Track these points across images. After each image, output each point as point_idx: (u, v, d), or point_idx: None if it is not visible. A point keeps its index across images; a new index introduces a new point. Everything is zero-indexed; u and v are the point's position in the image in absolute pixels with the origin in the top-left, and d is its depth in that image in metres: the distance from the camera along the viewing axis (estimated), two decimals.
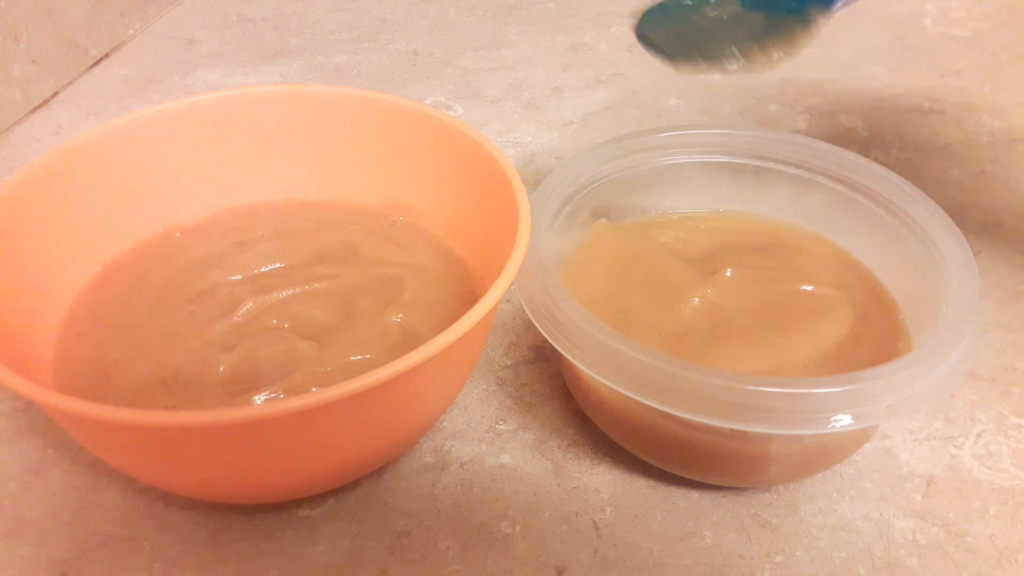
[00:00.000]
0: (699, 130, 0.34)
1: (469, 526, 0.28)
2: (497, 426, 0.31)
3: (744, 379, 0.24)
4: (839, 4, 0.28)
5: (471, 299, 0.31)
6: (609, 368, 0.25)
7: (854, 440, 0.29)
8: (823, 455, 0.28)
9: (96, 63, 0.55)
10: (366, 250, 0.33)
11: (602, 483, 0.29)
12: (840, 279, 0.32)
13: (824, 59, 0.56)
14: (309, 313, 0.30)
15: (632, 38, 0.31)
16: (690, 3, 0.30)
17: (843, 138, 0.48)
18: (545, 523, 0.28)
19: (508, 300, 0.37)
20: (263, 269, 0.32)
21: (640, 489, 0.29)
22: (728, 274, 0.31)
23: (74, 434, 0.26)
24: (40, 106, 0.50)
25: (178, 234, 0.34)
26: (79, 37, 0.53)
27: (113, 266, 0.32)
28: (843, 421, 0.24)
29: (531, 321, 0.28)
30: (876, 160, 0.33)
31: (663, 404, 0.25)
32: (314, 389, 0.24)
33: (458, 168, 0.33)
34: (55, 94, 0.51)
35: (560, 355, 0.29)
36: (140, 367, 0.28)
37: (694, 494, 0.29)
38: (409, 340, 0.29)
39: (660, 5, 0.30)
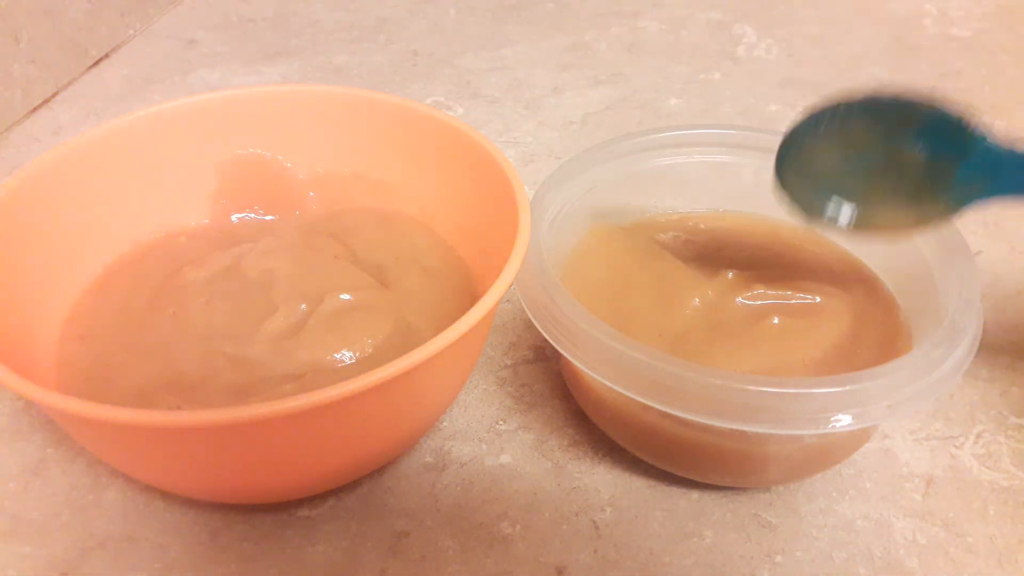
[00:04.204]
0: (699, 130, 0.34)
1: (469, 526, 0.28)
2: (497, 426, 0.31)
3: (744, 379, 0.24)
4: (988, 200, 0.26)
5: (471, 299, 0.31)
6: (609, 368, 0.25)
7: (854, 440, 0.29)
8: (823, 455, 0.28)
9: (96, 63, 0.55)
10: (366, 250, 0.33)
11: (602, 483, 0.29)
12: (840, 279, 0.32)
13: (824, 59, 0.56)
14: (310, 313, 0.30)
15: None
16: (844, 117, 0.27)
17: None
18: (545, 523, 0.28)
19: (508, 300, 0.37)
20: (263, 269, 0.32)
21: (640, 489, 0.29)
22: (729, 276, 0.31)
23: (75, 435, 0.26)
24: (40, 106, 0.50)
25: (183, 238, 0.34)
26: (79, 37, 0.53)
27: (115, 268, 0.32)
28: (843, 421, 0.24)
29: (531, 321, 0.28)
30: None
31: (663, 404, 0.25)
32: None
33: (458, 168, 0.33)
34: (55, 94, 0.51)
35: (560, 355, 0.29)
36: (142, 369, 0.28)
37: (694, 494, 0.29)
38: (409, 339, 0.29)
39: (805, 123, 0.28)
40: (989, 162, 0.25)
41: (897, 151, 0.26)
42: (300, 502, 0.29)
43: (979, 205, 0.26)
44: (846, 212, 0.27)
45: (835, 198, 0.27)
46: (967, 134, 0.26)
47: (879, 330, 0.30)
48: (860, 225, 0.27)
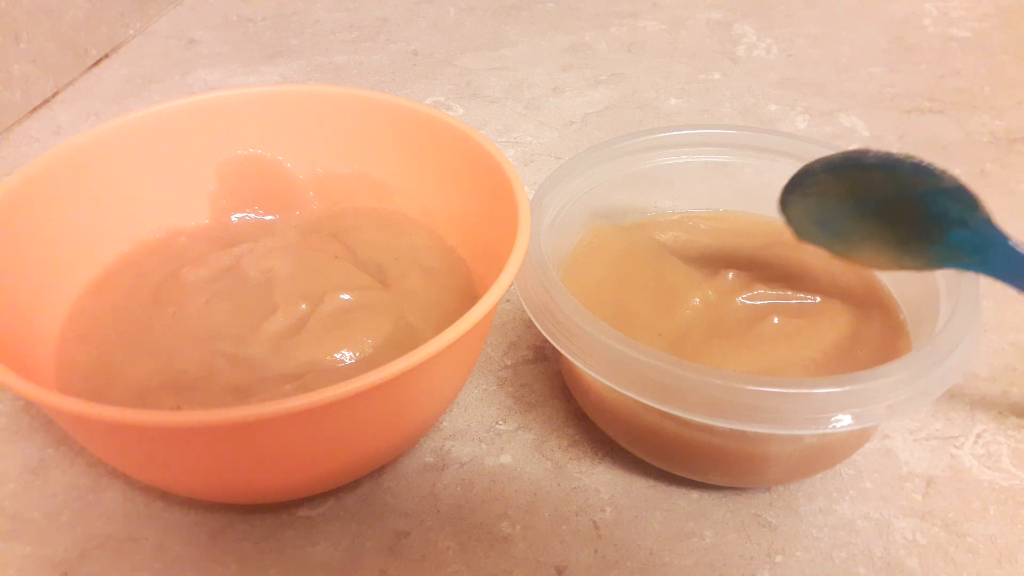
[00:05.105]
0: (699, 130, 0.34)
1: (469, 526, 0.28)
2: (497, 426, 0.31)
3: (744, 379, 0.24)
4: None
5: (471, 299, 0.31)
6: (609, 368, 0.25)
7: (854, 440, 0.29)
8: (823, 455, 0.28)
9: (96, 63, 0.55)
10: (366, 250, 0.33)
11: (602, 483, 0.29)
12: (840, 279, 0.32)
13: (824, 59, 0.56)
14: (310, 313, 0.30)
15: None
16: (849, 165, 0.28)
17: (843, 138, 0.48)
18: (545, 523, 0.28)
19: (508, 300, 0.37)
20: (263, 269, 0.32)
21: (640, 489, 0.29)
22: (729, 276, 0.31)
23: (75, 435, 0.26)
24: (40, 106, 0.50)
25: (183, 238, 0.34)
26: (79, 37, 0.53)
27: (115, 268, 0.32)
28: (843, 421, 0.24)
29: (531, 321, 0.28)
30: None
31: (663, 404, 0.25)
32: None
33: (458, 168, 0.33)
34: (55, 94, 0.51)
35: (560, 355, 0.29)
36: (142, 369, 0.28)
37: (694, 494, 0.29)
38: (409, 339, 0.29)
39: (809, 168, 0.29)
40: (982, 239, 0.27)
41: (903, 200, 0.28)
42: (300, 502, 0.29)
43: (957, 269, 0.28)
44: (833, 245, 0.29)
45: (825, 230, 0.29)
46: (975, 210, 0.27)
47: (879, 330, 0.30)
48: (842, 255, 0.29)
